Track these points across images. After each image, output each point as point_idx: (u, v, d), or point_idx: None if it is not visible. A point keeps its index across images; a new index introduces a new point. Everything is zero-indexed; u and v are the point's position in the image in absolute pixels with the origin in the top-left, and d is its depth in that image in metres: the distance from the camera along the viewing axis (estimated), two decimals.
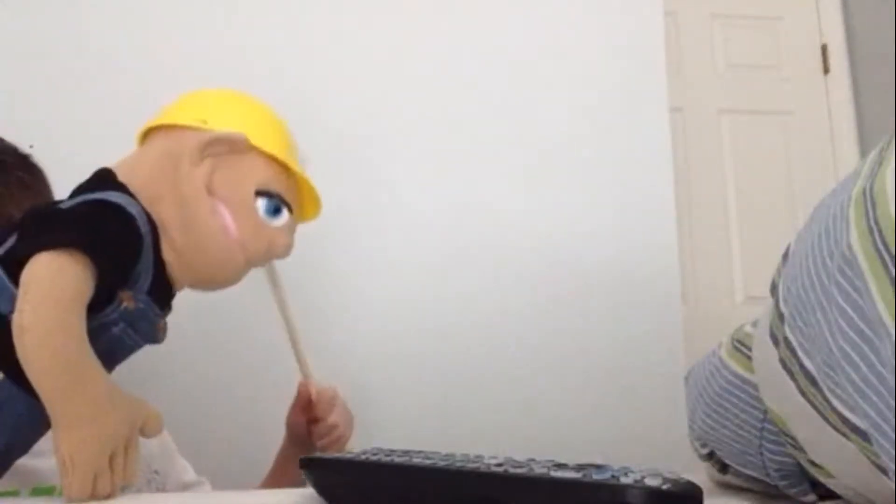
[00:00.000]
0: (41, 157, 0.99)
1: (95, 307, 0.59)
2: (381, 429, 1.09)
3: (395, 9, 1.19)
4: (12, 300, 0.56)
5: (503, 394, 1.13)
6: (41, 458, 0.77)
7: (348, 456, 0.55)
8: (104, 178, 0.66)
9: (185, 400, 1.02)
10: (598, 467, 0.48)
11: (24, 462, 0.77)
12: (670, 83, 1.24)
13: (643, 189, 1.20)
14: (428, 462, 0.51)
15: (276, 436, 0.96)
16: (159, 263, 0.65)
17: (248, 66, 1.09)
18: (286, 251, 0.71)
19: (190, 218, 0.66)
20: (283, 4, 1.16)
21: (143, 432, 0.59)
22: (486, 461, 0.50)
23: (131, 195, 0.64)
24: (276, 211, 0.69)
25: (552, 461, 0.50)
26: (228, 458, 1.01)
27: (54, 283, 0.56)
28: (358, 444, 1.02)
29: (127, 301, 0.62)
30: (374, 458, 0.53)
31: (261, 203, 0.68)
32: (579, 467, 0.48)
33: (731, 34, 2.57)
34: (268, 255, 0.71)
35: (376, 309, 1.14)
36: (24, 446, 0.63)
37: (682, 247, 1.24)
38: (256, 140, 0.69)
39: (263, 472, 0.96)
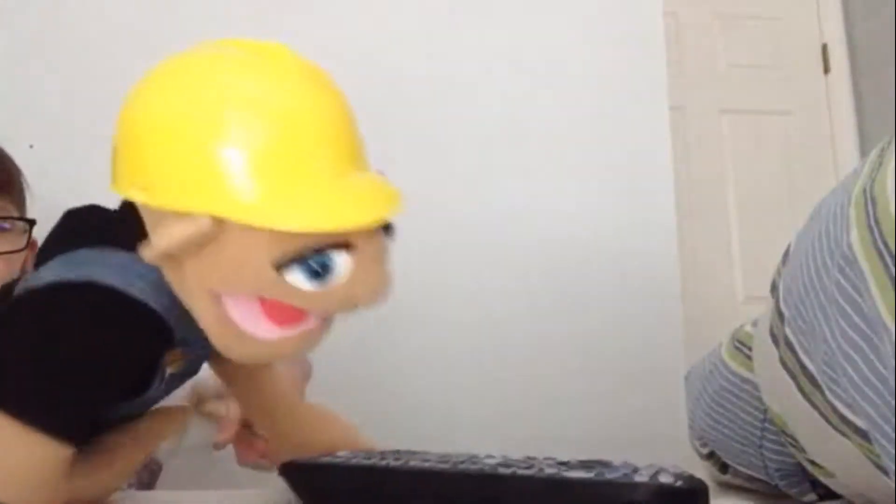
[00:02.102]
0: (41, 157, 0.99)
1: (130, 394, 0.46)
2: (380, 427, 1.09)
3: (397, 8, 1.19)
4: None
5: (502, 393, 1.13)
6: None
7: (339, 460, 0.50)
8: (122, 223, 0.45)
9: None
10: (605, 465, 0.48)
11: None
12: (670, 83, 1.24)
13: (643, 189, 1.20)
14: (427, 465, 0.49)
15: None
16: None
17: None
18: (376, 294, 0.45)
19: (199, 318, 0.44)
20: (282, 2, 1.16)
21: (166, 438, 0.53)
22: (485, 461, 0.50)
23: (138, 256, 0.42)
24: (322, 272, 0.42)
25: (554, 459, 0.50)
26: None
27: (19, 464, 0.41)
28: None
29: (172, 365, 0.48)
30: (369, 462, 0.50)
31: (292, 278, 0.41)
32: (587, 465, 0.48)
33: (732, 34, 2.57)
34: (351, 311, 0.46)
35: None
36: None
37: (682, 247, 1.24)
38: (225, 213, 0.41)
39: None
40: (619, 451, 0.62)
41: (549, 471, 0.47)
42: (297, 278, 0.41)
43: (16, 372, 0.42)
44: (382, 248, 0.45)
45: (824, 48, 2.58)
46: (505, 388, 1.13)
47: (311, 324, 0.45)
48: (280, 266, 0.41)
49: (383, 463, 0.49)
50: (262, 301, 0.42)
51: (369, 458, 0.50)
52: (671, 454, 0.76)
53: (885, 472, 0.42)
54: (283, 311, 0.43)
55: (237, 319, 0.43)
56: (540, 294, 1.17)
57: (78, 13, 1.11)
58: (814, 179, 2.40)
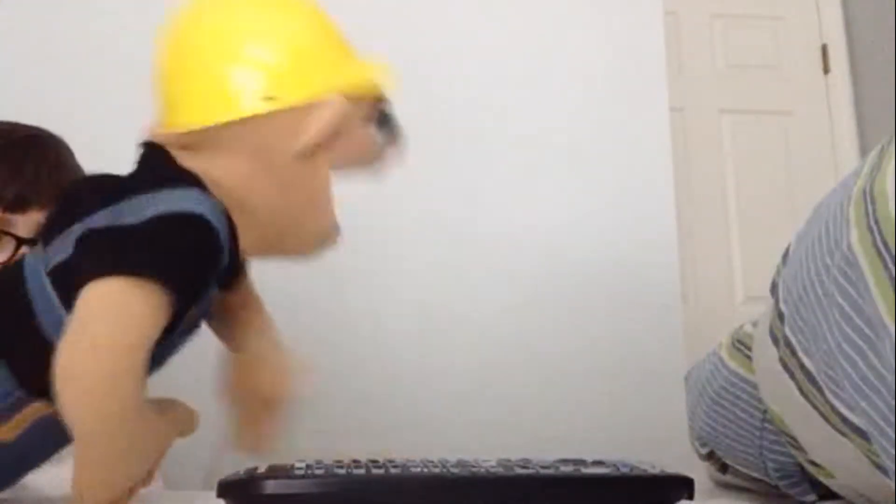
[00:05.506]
0: None
1: (165, 331, 0.50)
2: (380, 428, 1.09)
3: (395, 8, 1.19)
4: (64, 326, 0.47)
5: (502, 393, 1.13)
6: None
7: (317, 470, 0.48)
8: (166, 167, 0.54)
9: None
10: (600, 462, 0.48)
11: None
12: (670, 83, 1.24)
13: (643, 189, 1.20)
14: (425, 471, 0.48)
15: None
16: (234, 258, 0.55)
17: None
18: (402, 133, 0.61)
19: (307, 214, 0.57)
20: None
21: (180, 436, 0.54)
22: (488, 466, 0.50)
23: (202, 187, 0.53)
24: (389, 121, 0.59)
25: (560, 458, 0.50)
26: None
27: (119, 322, 0.45)
28: (359, 446, 1.02)
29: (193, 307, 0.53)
30: (341, 471, 0.47)
31: (378, 132, 0.58)
32: (594, 463, 0.48)
33: (731, 34, 2.57)
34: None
35: (376, 308, 1.14)
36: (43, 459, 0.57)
37: (682, 247, 1.24)
38: (345, 86, 0.55)
39: None
40: (619, 452, 0.63)
41: (566, 469, 0.47)
42: (380, 132, 0.57)
43: (128, 242, 0.48)
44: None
45: (824, 48, 2.57)
46: (505, 389, 1.13)
47: None
48: (372, 124, 0.56)
49: (367, 472, 0.47)
50: None
51: (339, 468, 0.48)
52: (671, 454, 0.76)
53: (885, 472, 0.42)
54: None
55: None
56: (540, 294, 1.16)
57: (95, 7, 1.11)
58: (814, 179, 2.40)
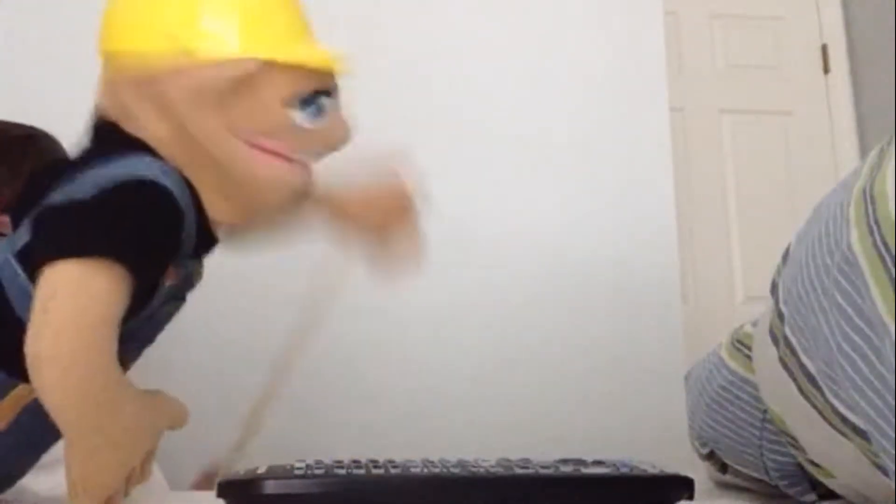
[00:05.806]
0: None
1: (137, 306, 0.50)
2: (380, 428, 1.09)
3: (396, 8, 1.19)
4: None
5: (502, 393, 1.13)
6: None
7: (317, 470, 0.47)
8: (115, 138, 0.54)
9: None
10: (600, 462, 0.49)
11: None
12: (670, 83, 1.24)
13: (643, 189, 1.20)
14: (427, 472, 0.48)
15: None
16: (202, 220, 0.54)
17: None
18: (346, 137, 0.57)
19: (227, 163, 0.54)
20: None
21: (170, 428, 0.54)
22: (486, 465, 0.50)
23: (153, 153, 0.52)
24: (318, 112, 0.54)
25: (561, 459, 0.50)
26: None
27: (77, 303, 0.46)
28: (359, 446, 1.02)
29: (170, 278, 0.53)
30: (342, 471, 0.47)
31: (296, 115, 0.54)
32: (594, 463, 0.48)
33: (731, 34, 2.57)
34: (328, 152, 0.57)
35: (374, 308, 1.14)
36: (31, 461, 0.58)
37: (682, 247, 1.24)
38: (264, 47, 0.53)
39: None
40: (619, 452, 0.63)
41: (566, 469, 0.48)
42: (296, 117, 0.53)
43: (81, 221, 0.48)
44: (342, 102, 0.57)
45: (824, 48, 2.57)
46: (505, 389, 1.13)
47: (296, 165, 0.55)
48: (287, 104, 0.53)
49: (360, 472, 0.47)
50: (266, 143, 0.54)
51: (341, 468, 0.48)
52: (671, 454, 0.76)
53: (885, 472, 0.42)
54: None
55: (258, 144, 0.53)
56: (540, 294, 1.16)
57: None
58: (814, 179, 2.40)
